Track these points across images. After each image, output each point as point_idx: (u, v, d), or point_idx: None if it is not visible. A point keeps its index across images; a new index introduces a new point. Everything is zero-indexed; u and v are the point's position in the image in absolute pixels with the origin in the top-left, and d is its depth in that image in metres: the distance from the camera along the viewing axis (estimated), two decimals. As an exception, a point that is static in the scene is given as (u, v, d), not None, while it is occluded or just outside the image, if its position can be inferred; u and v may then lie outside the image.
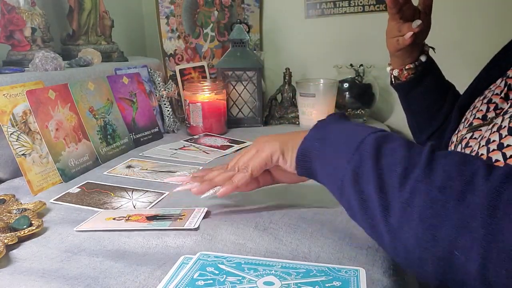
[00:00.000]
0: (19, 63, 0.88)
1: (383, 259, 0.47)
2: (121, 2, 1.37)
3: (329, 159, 0.46)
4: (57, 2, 1.12)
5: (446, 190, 0.35)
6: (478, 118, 0.60)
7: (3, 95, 0.69)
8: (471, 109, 0.64)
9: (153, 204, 0.64)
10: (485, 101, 0.61)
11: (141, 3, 1.51)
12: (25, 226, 0.54)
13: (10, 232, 0.53)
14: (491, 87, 0.63)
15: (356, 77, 1.29)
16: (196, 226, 0.53)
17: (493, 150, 0.48)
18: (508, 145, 0.47)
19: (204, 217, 0.56)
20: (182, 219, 0.55)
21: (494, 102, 0.59)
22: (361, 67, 1.29)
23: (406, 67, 0.77)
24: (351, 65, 1.30)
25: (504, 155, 0.46)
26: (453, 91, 0.82)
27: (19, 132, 0.70)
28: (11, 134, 0.69)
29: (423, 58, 0.76)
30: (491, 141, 0.49)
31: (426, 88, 0.78)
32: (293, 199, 0.64)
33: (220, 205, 0.62)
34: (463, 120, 0.65)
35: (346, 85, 1.27)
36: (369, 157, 0.41)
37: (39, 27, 0.92)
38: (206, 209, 0.59)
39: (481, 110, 0.60)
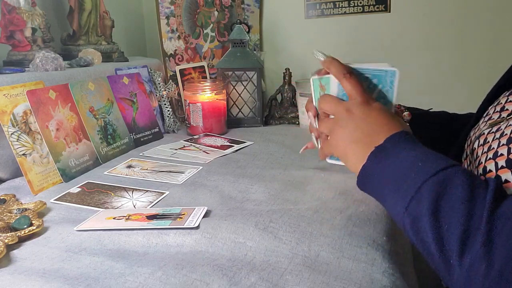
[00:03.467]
0: (19, 63, 0.88)
1: (382, 259, 0.47)
2: (121, 2, 1.38)
3: (387, 197, 0.47)
4: (58, 2, 1.12)
5: (505, 274, 0.34)
6: (503, 117, 0.55)
7: (4, 95, 0.69)
8: (495, 104, 0.60)
9: (153, 203, 0.64)
10: (511, 98, 0.57)
11: (141, 3, 1.51)
12: (25, 226, 0.55)
13: (10, 232, 0.53)
14: None
15: (356, 77, 1.29)
16: (196, 225, 0.53)
17: None
18: None
19: (204, 216, 0.56)
20: (182, 218, 0.56)
21: None
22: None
23: None
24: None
25: None
26: (452, 122, 0.77)
27: (19, 132, 0.70)
28: (11, 134, 0.69)
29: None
30: None
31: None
32: (293, 198, 0.64)
33: (220, 204, 0.62)
34: (484, 115, 0.61)
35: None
36: (427, 213, 0.40)
37: (39, 27, 0.92)
38: (206, 208, 0.59)
39: (507, 109, 0.56)
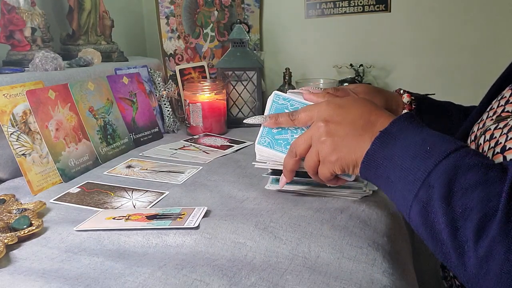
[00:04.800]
0: (19, 63, 0.88)
1: (382, 259, 0.47)
2: (121, 2, 1.38)
3: (395, 183, 0.43)
4: (57, 2, 1.12)
5: None
6: (508, 111, 0.52)
7: (3, 95, 0.69)
8: (499, 98, 0.57)
9: (153, 203, 0.64)
10: None
11: (141, 3, 1.51)
12: (25, 226, 0.54)
13: (10, 232, 0.53)
14: None
15: (356, 77, 1.29)
16: (196, 225, 0.53)
17: None
18: None
19: (204, 216, 0.56)
20: (182, 218, 0.56)
21: None
22: (361, 67, 1.29)
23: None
24: (351, 65, 1.30)
25: None
26: (457, 112, 0.73)
27: (19, 132, 0.70)
28: (11, 134, 0.69)
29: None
30: None
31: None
32: (293, 198, 0.64)
33: (220, 204, 0.62)
34: (488, 109, 0.58)
35: (346, 85, 1.27)
36: (438, 198, 0.38)
37: (39, 27, 0.92)
38: (205, 208, 0.59)
39: (511, 102, 0.52)
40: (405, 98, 0.70)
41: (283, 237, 0.51)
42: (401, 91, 0.72)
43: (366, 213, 0.56)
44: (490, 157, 0.47)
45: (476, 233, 0.35)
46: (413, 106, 0.70)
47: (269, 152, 0.58)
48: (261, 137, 0.58)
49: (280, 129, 0.58)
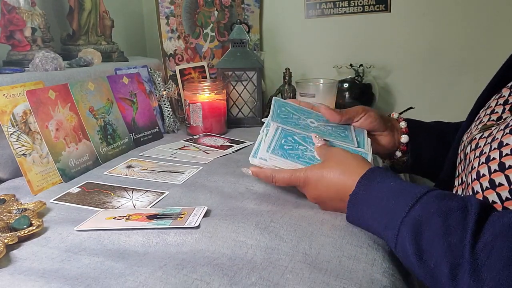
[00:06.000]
0: (19, 63, 0.88)
1: (383, 259, 0.47)
2: (121, 2, 1.38)
3: (376, 229, 0.49)
4: (57, 2, 1.12)
5: None
6: (493, 120, 0.55)
7: (3, 95, 0.69)
8: (485, 108, 0.59)
9: (153, 203, 0.64)
10: (501, 101, 0.56)
11: (141, 3, 1.51)
12: (25, 226, 0.54)
13: (10, 232, 0.53)
14: (508, 85, 0.58)
15: (356, 77, 1.29)
16: (197, 224, 0.53)
17: (506, 154, 0.44)
18: None
19: (204, 216, 0.56)
20: (182, 217, 0.55)
21: (511, 102, 0.54)
22: (361, 67, 1.29)
23: (395, 157, 0.74)
24: (350, 65, 1.30)
25: None
26: (447, 133, 0.75)
27: (19, 132, 0.70)
28: (11, 134, 0.69)
29: (404, 139, 0.72)
30: (504, 144, 0.45)
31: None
32: (294, 198, 0.64)
33: (220, 204, 0.62)
34: (476, 119, 0.60)
35: (346, 85, 1.27)
36: (412, 253, 0.42)
37: (39, 27, 0.92)
38: (206, 207, 0.59)
39: (497, 111, 0.55)
40: (402, 123, 0.73)
41: (284, 236, 0.51)
42: (400, 118, 0.75)
43: (366, 213, 0.56)
44: (477, 167, 0.48)
45: (451, 283, 0.38)
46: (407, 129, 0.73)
47: (283, 161, 0.60)
48: (274, 149, 0.61)
49: (291, 146, 0.62)
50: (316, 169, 0.57)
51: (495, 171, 0.44)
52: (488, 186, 0.45)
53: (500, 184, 0.43)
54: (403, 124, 0.73)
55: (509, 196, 0.43)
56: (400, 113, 0.77)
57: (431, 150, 0.72)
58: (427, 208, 0.43)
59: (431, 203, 0.43)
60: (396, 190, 0.48)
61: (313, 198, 0.58)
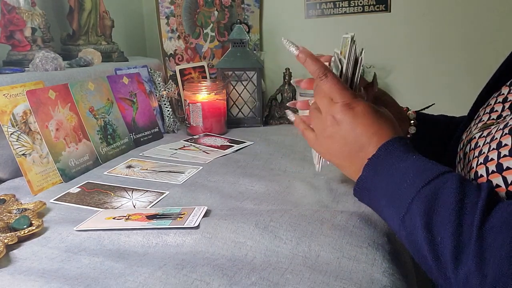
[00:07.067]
0: (19, 63, 0.88)
1: (382, 258, 0.47)
2: (121, 2, 1.38)
3: (385, 208, 0.48)
4: (57, 2, 1.12)
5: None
6: (493, 119, 0.54)
7: (3, 95, 0.69)
8: (485, 106, 0.59)
9: (153, 203, 0.64)
10: (500, 99, 0.55)
11: (141, 3, 1.51)
12: (25, 226, 0.54)
13: (10, 232, 0.53)
14: (507, 83, 0.57)
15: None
16: (196, 224, 0.53)
17: (504, 156, 0.44)
18: None
19: (204, 216, 0.56)
20: (182, 217, 0.56)
21: (510, 100, 0.53)
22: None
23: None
24: (351, 65, 1.30)
25: None
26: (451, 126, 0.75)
27: (19, 132, 0.70)
28: (11, 134, 0.69)
29: (411, 130, 0.72)
30: (503, 145, 0.44)
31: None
32: (293, 198, 0.64)
33: (220, 204, 0.62)
34: (475, 117, 0.60)
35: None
36: (420, 227, 0.41)
37: (39, 27, 0.92)
38: (206, 207, 0.59)
39: (496, 110, 0.54)
40: (411, 115, 0.73)
41: (283, 236, 0.51)
42: (406, 108, 0.74)
43: (366, 213, 0.56)
44: (475, 167, 0.48)
45: (454, 261, 0.38)
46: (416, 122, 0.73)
47: None
48: None
49: None
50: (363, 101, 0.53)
51: (493, 172, 0.44)
52: None
53: (498, 186, 0.43)
54: (412, 116, 0.72)
55: (507, 198, 0.43)
56: (422, 110, 0.76)
57: (436, 145, 0.72)
58: (446, 185, 0.42)
59: (451, 180, 0.42)
60: (419, 161, 0.47)
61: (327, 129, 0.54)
